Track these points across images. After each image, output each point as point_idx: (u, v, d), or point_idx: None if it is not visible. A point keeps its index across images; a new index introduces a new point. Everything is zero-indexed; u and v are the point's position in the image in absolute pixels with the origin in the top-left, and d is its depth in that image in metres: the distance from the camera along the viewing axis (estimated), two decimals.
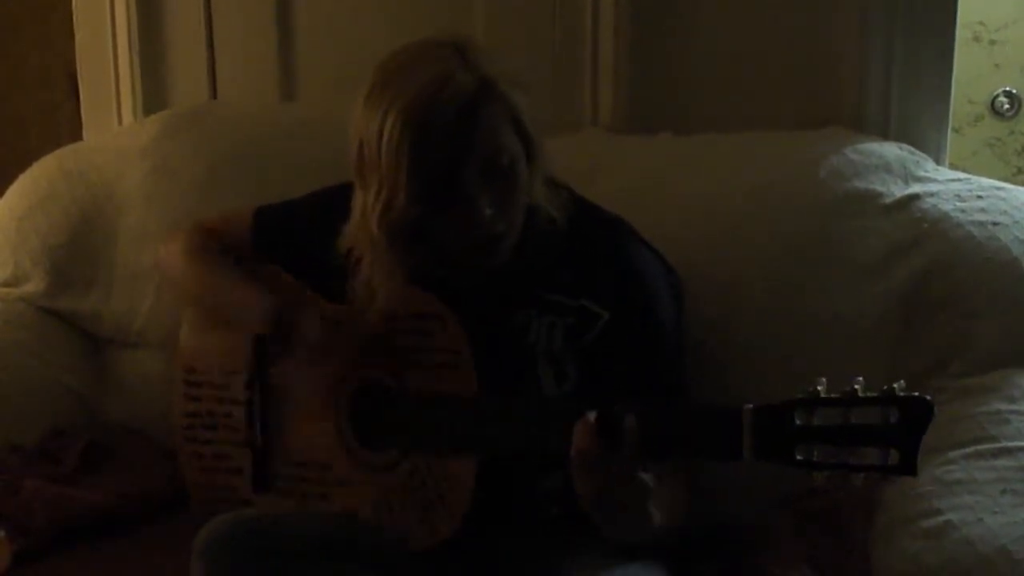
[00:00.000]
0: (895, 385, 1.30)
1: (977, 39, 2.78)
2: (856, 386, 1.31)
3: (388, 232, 1.58)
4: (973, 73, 2.74)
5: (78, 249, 2.30)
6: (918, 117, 2.13)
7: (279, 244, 1.86)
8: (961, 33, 2.15)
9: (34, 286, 2.31)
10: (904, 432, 1.29)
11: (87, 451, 2.10)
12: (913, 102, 2.13)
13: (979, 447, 1.66)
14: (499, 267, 1.64)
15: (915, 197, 1.95)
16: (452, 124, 1.52)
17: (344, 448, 1.74)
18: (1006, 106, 2.83)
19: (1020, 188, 1.99)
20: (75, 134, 2.66)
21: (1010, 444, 1.65)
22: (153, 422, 2.18)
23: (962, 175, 2.03)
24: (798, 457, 1.33)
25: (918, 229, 1.92)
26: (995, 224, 1.90)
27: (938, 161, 2.11)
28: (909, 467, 1.30)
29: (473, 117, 1.54)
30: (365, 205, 1.59)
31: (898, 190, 1.97)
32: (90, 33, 2.60)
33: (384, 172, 1.54)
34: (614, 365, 1.63)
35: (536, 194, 1.63)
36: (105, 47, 2.57)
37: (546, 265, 1.66)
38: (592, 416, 1.43)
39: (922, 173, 2.01)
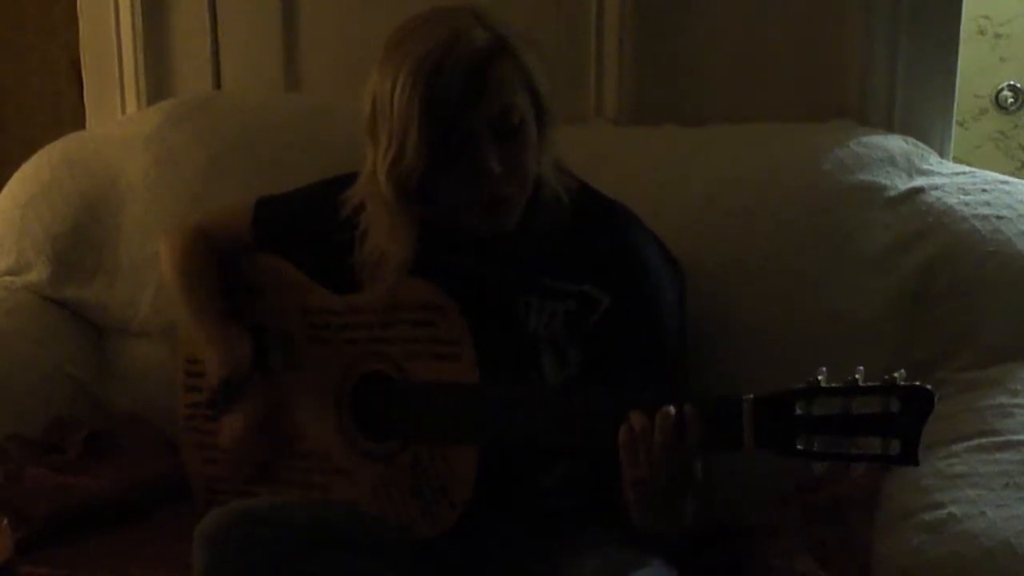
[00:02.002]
0: (896, 374, 1.30)
1: (982, 33, 2.77)
2: (857, 375, 1.31)
3: (395, 186, 1.56)
4: (978, 67, 2.74)
5: (81, 238, 2.30)
6: (923, 110, 2.13)
7: (280, 234, 1.86)
8: (966, 26, 2.14)
9: (37, 275, 2.31)
10: (905, 422, 1.29)
11: (89, 440, 2.10)
12: (918, 95, 2.13)
13: (982, 440, 1.66)
14: (501, 252, 1.64)
15: (919, 190, 1.95)
16: (464, 75, 1.51)
17: (346, 438, 1.74)
18: (1010, 100, 2.82)
19: None
20: (78, 123, 2.65)
21: (1013, 438, 1.64)
22: (155, 412, 2.18)
23: (967, 169, 2.03)
24: (798, 447, 1.33)
25: (922, 222, 1.91)
26: (999, 218, 1.90)
27: (942, 154, 2.10)
28: (911, 457, 1.30)
29: (485, 70, 1.53)
30: (375, 162, 1.58)
31: (902, 183, 1.96)
32: (94, 22, 2.60)
33: (395, 123, 1.53)
34: (614, 350, 1.63)
35: (545, 166, 1.62)
36: (109, 36, 2.57)
37: (548, 250, 1.65)
38: (672, 409, 1.41)
39: (926, 166, 2.00)
